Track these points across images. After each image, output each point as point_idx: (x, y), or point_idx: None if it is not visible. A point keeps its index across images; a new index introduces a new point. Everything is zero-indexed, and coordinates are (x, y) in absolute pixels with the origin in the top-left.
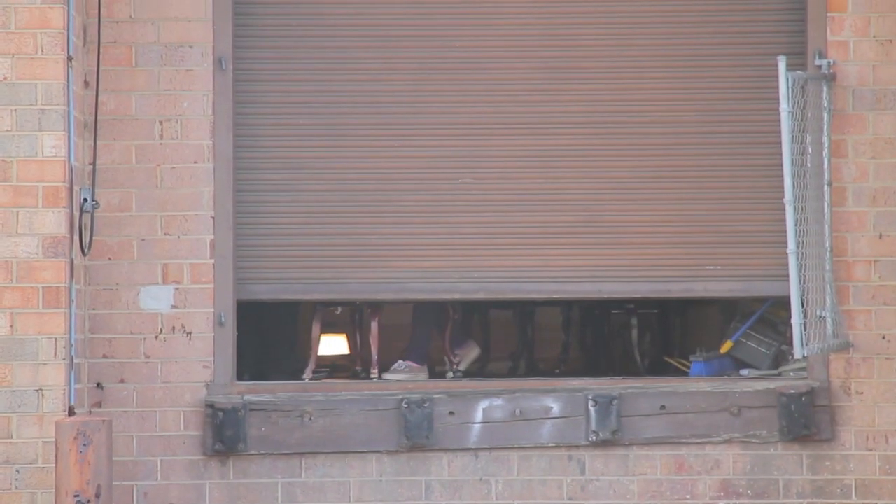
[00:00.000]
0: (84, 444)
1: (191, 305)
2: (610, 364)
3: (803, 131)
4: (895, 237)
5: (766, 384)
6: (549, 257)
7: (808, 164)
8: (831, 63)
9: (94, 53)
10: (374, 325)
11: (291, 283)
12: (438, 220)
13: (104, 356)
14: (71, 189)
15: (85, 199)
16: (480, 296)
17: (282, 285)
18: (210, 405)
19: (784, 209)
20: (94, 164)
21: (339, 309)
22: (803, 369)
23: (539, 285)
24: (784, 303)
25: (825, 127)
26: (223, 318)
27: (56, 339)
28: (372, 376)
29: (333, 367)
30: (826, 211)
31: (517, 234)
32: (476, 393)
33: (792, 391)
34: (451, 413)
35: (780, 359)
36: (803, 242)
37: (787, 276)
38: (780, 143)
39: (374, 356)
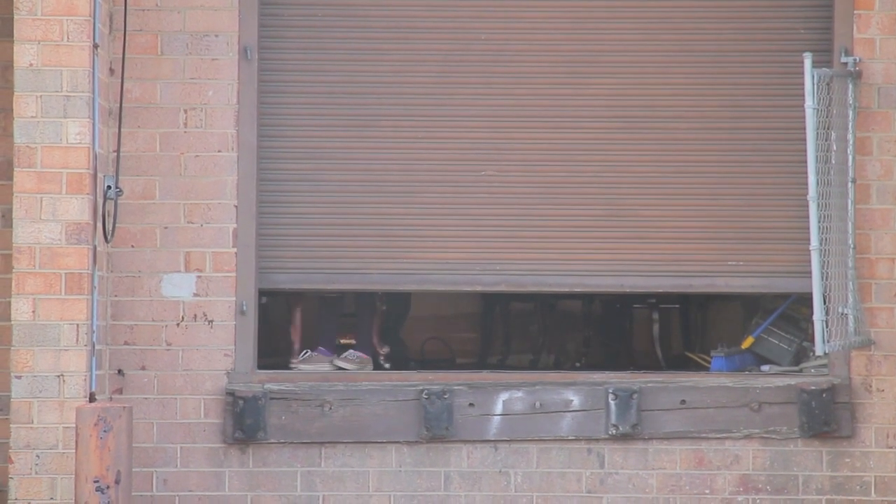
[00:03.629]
0: (104, 431)
1: (213, 294)
2: (631, 358)
3: (828, 128)
4: None
5: (786, 380)
6: (571, 250)
7: (833, 161)
8: (857, 60)
9: (119, 41)
10: (296, 315)
11: (313, 272)
12: (461, 212)
13: (125, 343)
14: (95, 176)
15: (108, 187)
16: (502, 288)
17: (304, 275)
18: (231, 393)
19: (807, 206)
20: (118, 151)
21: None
22: (824, 366)
23: (561, 278)
24: (806, 299)
25: (850, 124)
26: (245, 307)
27: (78, 325)
28: (291, 366)
29: None
30: (849, 208)
31: (539, 227)
32: (496, 385)
33: (813, 388)
34: (471, 405)
35: (802, 355)
36: (826, 239)
37: (810, 272)
38: (804, 139)
39: (296, 345)
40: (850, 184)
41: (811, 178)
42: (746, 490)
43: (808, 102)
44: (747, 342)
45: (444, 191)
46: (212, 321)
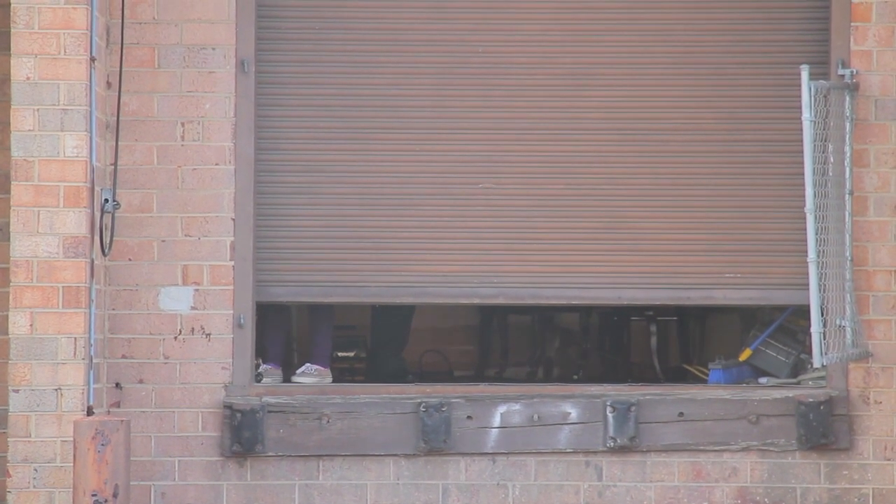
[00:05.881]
0: (102, 444)
1: (210, 307)
2: (628, 370)
3: (825, 140)
4: None
5: (784, 392)
6: (568, 263)
7: (830, 174)
8: (854, 73)
9: (116, 54)
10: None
11: (311, 285)
12: (458, 225)
13: (123, 356)
14: (92, 189)
15: (106, 200)
16: (500, 301)
17: (301, 288)
18: (228, 406)
19: (805, 218)
20: (115, 164)
21: None
22: (822, 378)
23: (558, 291)
24: (804, 311)
25: (847, 136)
26: (242, 320)
27: (75, 338)
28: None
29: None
30: (847, 220)
31: (537, 240)
32: (494, 398)
33: (810, 400)
34: (469, 417)
35: (799, 367)
36: (824, 251)
37: (808, 284)
38: (801, 151)
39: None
40: (847, 196)
41: (808, 191)
42: (744, 502)
43: (806, 115)
44: (745, 354)
45: (441, 203)
46: (209, 334)
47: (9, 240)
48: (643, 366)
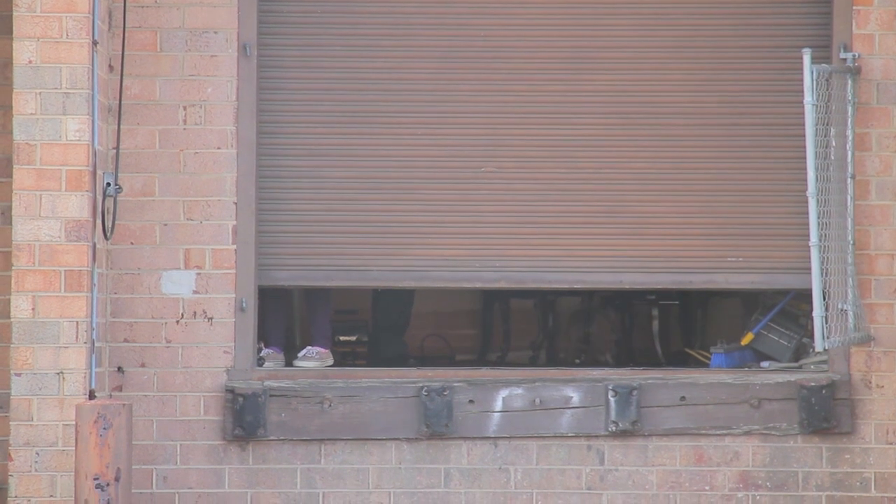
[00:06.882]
0: (104, 428)
1: (212, 291)
2: (630, 354)
3: (827, 124)
4: None
5: (786, 376)
6: (570, 247)
7: (832, 157)
8: (856, 56)
9: (119, 38)
10: None
11: (313, 269)
12: (460, 209)
13: (125, 340)
14: (94, 173)
15: (108, 184)
16: (501, 284)
17: (303, 272)
18: (230, 390)
19: (807, 202)
20: (117, 148)
21: None
22: (824, 362)
23: (560, 275)
24: (806, 295)
25: (849, 120)
26: (244, 304)
27: (77, 322)
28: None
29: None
30: (849, 204)
31: (539, 224)
32: (496, 382)
33: (812, 384)
34: (471, 401)
35: (801, 351)
36: (826, 235)
37: (810, 268)
38: (803, 135)
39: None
40: (849, 180)
41: (810, 175)
42: (746, 486)
43: (808, 98)
44: (747, 338)
45: (443, 187)
46: (211, 318)
47: (11, 223)
48: (645, 350)
